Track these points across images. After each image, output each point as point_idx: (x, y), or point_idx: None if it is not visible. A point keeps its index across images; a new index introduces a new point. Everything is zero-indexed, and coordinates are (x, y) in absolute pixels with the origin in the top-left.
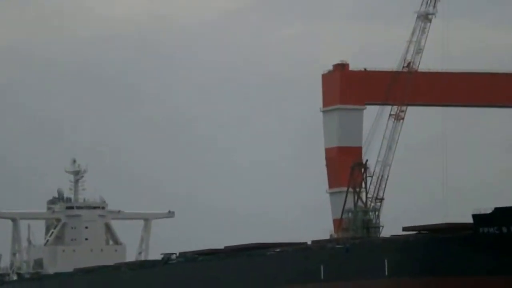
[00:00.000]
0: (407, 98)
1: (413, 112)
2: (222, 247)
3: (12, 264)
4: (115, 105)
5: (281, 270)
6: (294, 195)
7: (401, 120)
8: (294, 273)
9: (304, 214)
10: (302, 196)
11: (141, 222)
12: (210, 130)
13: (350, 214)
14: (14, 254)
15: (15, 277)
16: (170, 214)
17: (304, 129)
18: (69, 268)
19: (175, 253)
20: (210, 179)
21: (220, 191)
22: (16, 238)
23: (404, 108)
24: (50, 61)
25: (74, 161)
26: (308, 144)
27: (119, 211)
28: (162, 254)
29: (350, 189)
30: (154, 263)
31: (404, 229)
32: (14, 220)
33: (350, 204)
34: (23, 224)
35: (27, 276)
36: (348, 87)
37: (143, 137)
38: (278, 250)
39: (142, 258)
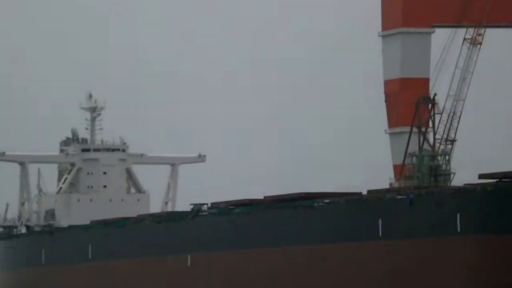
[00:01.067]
0: (486, 18)
1: (492, 36)
2: (261, 197)
3: (20, 215)
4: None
5: (331, 225)
6: (347, 136)
7: (478, 46)
8: (346, 228)
9: (358, 159)
10: (356, 137)
11: (167, 167)
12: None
13: (414, 159)
14: (22, 204)
15: (23, 230)
16: (201, 158)
17: (358, 58)
18: (84, 220)
19: (207, 204)
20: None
21: (257, 131)
22: (24, 185)
23: (482, 30)
24: None
25: (90, 96)
26: (363, 76)
27: (141, 155)
28: (191, 204)
29: (415, 129)
30: (182, 214)
31: (481, 176)
32: (22, 164)
33: (414, 147)
34: (32, 169)
35: (37, 228)
36: (412, 6)
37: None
38: (327, 201)
39: (169, 209)
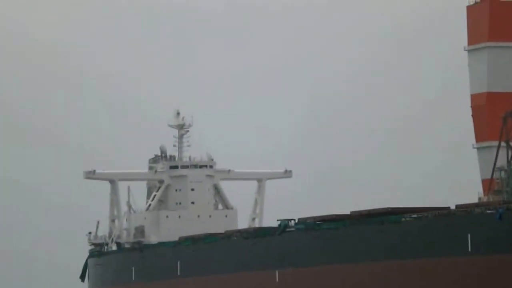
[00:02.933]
0: None
1: None
2: (347, 212)
3: (110, 232)
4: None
5: (419, 240)
6: (434, 150)
7: None
8: (435, 243)
9: (446, 174)
10: (444, 152)
11: (254, 183)
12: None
13: (502, 173)
14: (112, 221)
15: (114, 247)
16: (287, 173)
17: (445, 72)
18: (173, 237)
19: (294, 219)
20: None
21: (343, 147)
22: (114, 202)
23: None
24: None
25: (178, 114)
26: (450, 90)
27: (229, 171)
28: (278, 220)
29: (503, 143)
30: (269, 230)
31: None
32: (112, 182)
33: (502, 161)
34: (122, 186)
35: (127, 245)
36: (499, 20)
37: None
38: (415, 216)
39: (256, 224)
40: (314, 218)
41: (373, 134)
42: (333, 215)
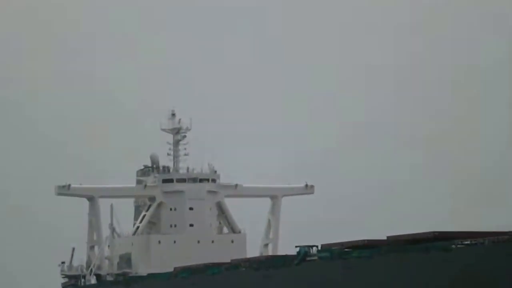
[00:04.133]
0: None
1: None
2: (383, 237)
3: (89, 262)
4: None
5: (473, 272)
6: (483, 166)
7: None
8: (492, 275)
9: (499, 192)
10: (495, 168)
11: (267, 200)
12: None
13: None
14: (91, 248)
15: (93, 280)
16: (308, 189)
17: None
18: (167, 267)
19: (316, 246)
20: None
21: (375, 159)
22: (94, 225)
23: None
24: None
25: (173, 115)
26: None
27: (236, 185)
28: (297, 246)
29: None
30: (286, 259)
31: None
32: (91, 199)
33: None
34: (103, 205)
35: (110, 278)
36: None
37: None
38: (467, 242)
39: (269, 252)
40: (341, 244)
41: (414, 143)
42: (365, 240)
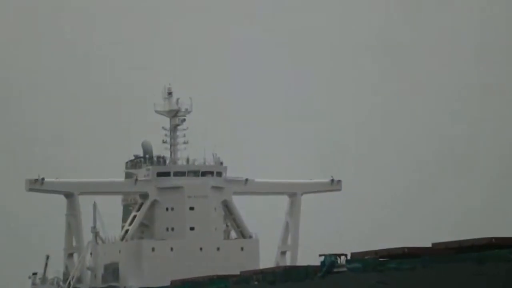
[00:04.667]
0: None
1: None
2: (427, 244)
3: (67, 273)
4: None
5: None
6: None
7: None
8: None
9: None
10: None
11: (284, 199)
12: None
13: None
14: (70, 255)
15: None
16: (334, 185)
17: None
18: (162, 280)
19: (345, 254)
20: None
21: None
22: (73, 227)
23: None
24: None
25: (170, 94)
26: None
27: (246, 180)
28: (321, 255)
29: None
30: (308, 271)
31: None
32: (69, 196)
33: None
34: (85, 203)
35: None
36: None
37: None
38: None
39: (287, 262)
40: (375, 253)
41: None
42: (405, 248)
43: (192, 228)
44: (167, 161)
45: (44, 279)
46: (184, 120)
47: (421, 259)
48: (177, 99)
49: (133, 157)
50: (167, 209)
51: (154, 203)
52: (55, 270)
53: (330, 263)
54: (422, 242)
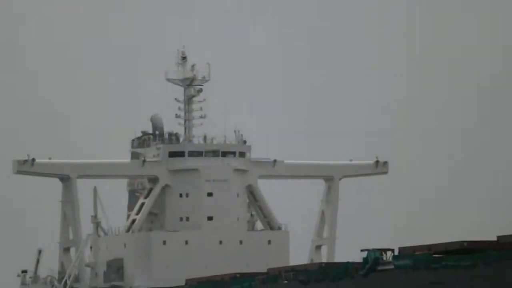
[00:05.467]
0: None
1: None
2: (492, 237)
3: (62, 271)
4: None
5: None
6: None
7: None
8: None
9: None
10: None
11: (319, 183)
12: None
13: None
14: (66, 250)
15: None
16: (380, 167)
17: None
18: (175, 278)
19: (391, 250)
20: None
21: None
22: (70, 217)
23: None
24: None
25: (184, 59)
26: None
27: (274, 162)
28: (363, 250)
29: None
30: (347, 268)
31: None
32: (65, 179)
33: None
34: (84, 188)
35: None
36: None
37: None
38: None
39: (323, 258)
40: (428, 247)
41: None
42: (465, 242)
43: (210, 218)
44: (181, 139)
45: (35, 278)
46: (201, 90)
47: (485, 255)
48: (193, 65)
49: (140, 134)
50: (180, 195)
51: (165, 189)
52: (48, 268)
53: (374, 259)
54: (485, 235)
